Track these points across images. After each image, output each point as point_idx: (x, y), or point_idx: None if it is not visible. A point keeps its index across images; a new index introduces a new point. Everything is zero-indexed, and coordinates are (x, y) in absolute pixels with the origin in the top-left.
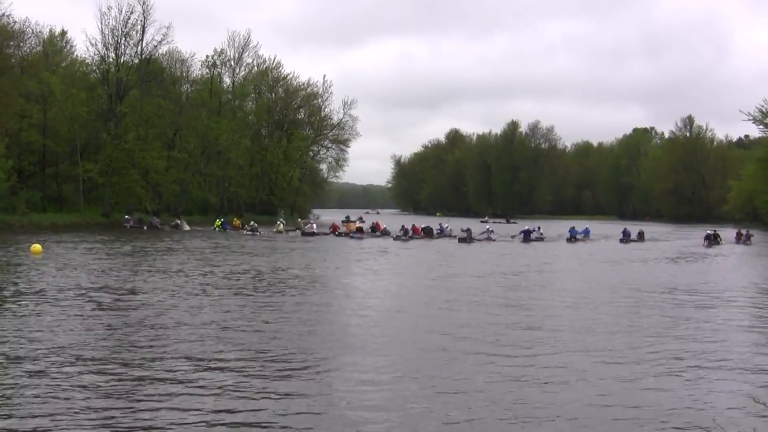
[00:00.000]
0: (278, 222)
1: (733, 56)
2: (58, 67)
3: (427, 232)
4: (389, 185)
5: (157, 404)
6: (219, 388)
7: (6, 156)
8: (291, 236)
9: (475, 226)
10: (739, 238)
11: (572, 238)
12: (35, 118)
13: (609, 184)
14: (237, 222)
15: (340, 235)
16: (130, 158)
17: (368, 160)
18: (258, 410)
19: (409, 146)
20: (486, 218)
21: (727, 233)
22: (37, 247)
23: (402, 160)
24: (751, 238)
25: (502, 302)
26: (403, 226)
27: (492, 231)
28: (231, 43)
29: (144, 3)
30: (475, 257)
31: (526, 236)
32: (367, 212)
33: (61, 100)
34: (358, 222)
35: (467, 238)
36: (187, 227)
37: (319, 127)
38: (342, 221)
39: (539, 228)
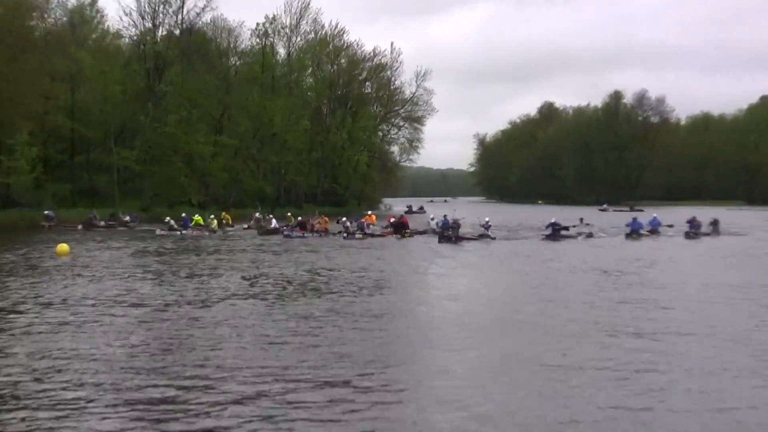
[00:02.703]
0: (211, 217)
1: None
2: (87, 41)
3: (396, 229)
4: (472, 169)
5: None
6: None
7: (29, 143)
8: (230, 235)
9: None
10: None
11: (633, 233)
12: (62, 99)
13: (734, 164)
14: (226, 215)
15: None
16: (172, 144)
17: (447, 143)
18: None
19: (494, 126)
20: (605, 206)
21: None
22: (63, 247)
23: (486, 139)
24: None
25: None
26: (351, 222)
27: (490, 225)
28: (287, 9)
29: None
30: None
31: (554, 232)
32: (431, 201)
33: (92, 78)
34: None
35: (452, 237)
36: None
37: (389, 103)
38: (404, 212)
39: (582, 219)
